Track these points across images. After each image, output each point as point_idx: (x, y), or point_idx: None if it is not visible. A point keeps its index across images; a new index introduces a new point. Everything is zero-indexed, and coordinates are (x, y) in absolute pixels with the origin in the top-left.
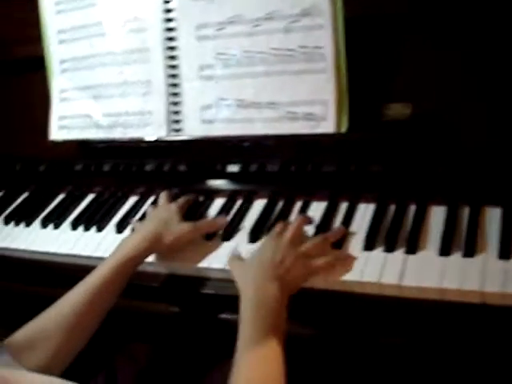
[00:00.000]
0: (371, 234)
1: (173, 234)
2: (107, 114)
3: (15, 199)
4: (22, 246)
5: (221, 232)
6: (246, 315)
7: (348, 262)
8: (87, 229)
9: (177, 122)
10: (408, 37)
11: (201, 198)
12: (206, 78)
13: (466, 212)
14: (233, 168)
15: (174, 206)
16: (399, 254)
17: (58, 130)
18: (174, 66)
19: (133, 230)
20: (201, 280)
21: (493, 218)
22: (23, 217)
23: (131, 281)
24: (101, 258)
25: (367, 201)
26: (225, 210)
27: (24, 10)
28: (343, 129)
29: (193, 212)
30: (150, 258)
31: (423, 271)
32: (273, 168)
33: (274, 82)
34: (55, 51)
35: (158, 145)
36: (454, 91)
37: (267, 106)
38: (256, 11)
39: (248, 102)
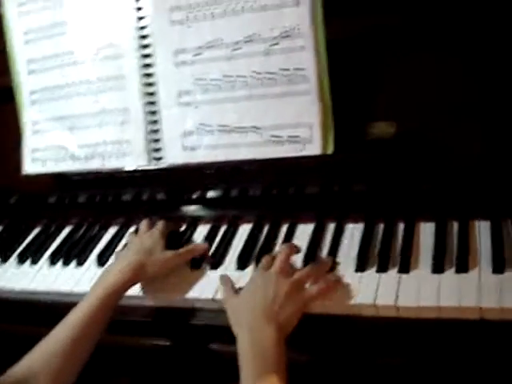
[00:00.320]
0: (362, 254)
1: (156, 262)
2: (83, 145)
3: None
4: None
5: (208, 261)
6: (245, 358)
7: (341, 284)
8: (66, 263)
9: (157, 150)
10: (390, 55)
11: (184, 226)
12: (185, 104)
13: (455, 227)
14: (215, 193)
15: (156, 233)
16: (392, 273)
17: (32, 163)
18: (151, 93)
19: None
20: (190, 311)
21: (482, 231)
22: None
23: (116, 316)
24: (83, 294)
25: (355, 221)
26: (210, 236)
27: None
28: (329, 150)
29: (177, 240)
30: (136, 291)
31: (418, 290)
32: (256, 192)
33: (256, 106)
34: (25, 82)
35: (138, 174)
36: (438, 108)
37: (251, 130)
38: (235, 35)
39: (231, 127)
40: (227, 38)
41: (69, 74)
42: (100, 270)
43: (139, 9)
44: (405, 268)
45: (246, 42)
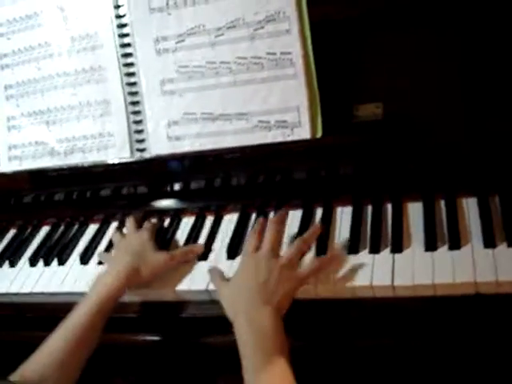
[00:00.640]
0: (354, 236)
1: (149, 267)
2: (63, 140)
3: None
4: None
5: None
6: (245, 343)
7: (333, 263)
8: (47, 263)
9: (140, 141)
10: (375, 37)
11: (168, 219)
12: (169, 92)
13: (442, 205)
14: (199, 184)
15: (145, 235)
16: (385, 253)
17: (9, 162)
18: (133, 83)
19: (100, 262)
20: (181, 304)
21: (470, 208)
22: None
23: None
24: (69, 293)
25: (343, 204)
26: (196, 228)
27: None
28: (318, 134)
29: (163, 234)
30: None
31: (412, 269)
32: (241, 180)
33: (242, 92)
34: None
35: (120, 167)
36: (422, 87)
37: (237, 117)
38: (217, 21)
39: (216, 114)
40: (209, 24)
41: (45, 66)
42: (84, 268)
43: None
44: (397, 248)
45: (229, 27)
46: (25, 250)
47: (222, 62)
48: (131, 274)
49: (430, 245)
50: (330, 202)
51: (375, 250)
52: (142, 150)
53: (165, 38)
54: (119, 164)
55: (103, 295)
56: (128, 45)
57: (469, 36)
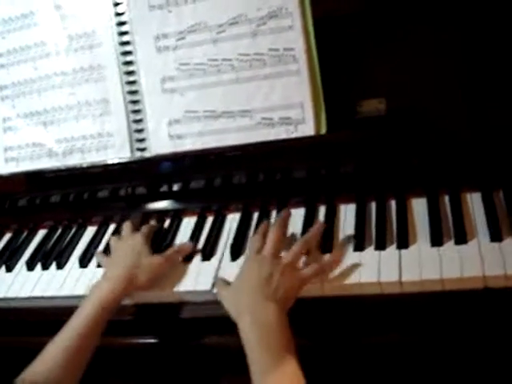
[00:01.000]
0: (359, 233)
1: (145, 272)
2: (61, 140)
3: None
4: None
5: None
6: (251, 344)
7: (337, 263)
8: (45, 267)
9: (141, 140)
10: (377, 32)
11: (168, 220)
12: (170, 90)
13: (446, 200)
14: (200, 183)
15: (140, 239)
16: (391, 250)
17: (5, 163)
18: (132, 82)
19: (99, 265)
20: (183, 305)
21: (475, 202)
22: None
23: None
24: (69, 297)
25: (346, 201)
26: (197, 228)
27: None
28: (323, 130)
29: (164, 235)
30: None
31: (420, 264)
32: (243, 179)
33: (244, 89)
34: None
35: (119, 167)
36: (426, 83)
37: (240, 114)
38: (219, 17)
39: (219, 112)
40: (210, 20)
41: (42, 66)
42: (84, 271)
43: None
44: (403, 243)
45: (231, 24)
46: (22, 254)
47: (223, 59)
48: (128, 281)
49: (436, 240)
50: (333, 200)
51: (381, 246)
52: (143, 150)
53: (165, 36)
54: (119, 164)
55: (101, 305)
56: (127, 43)
57: (472, 31)
